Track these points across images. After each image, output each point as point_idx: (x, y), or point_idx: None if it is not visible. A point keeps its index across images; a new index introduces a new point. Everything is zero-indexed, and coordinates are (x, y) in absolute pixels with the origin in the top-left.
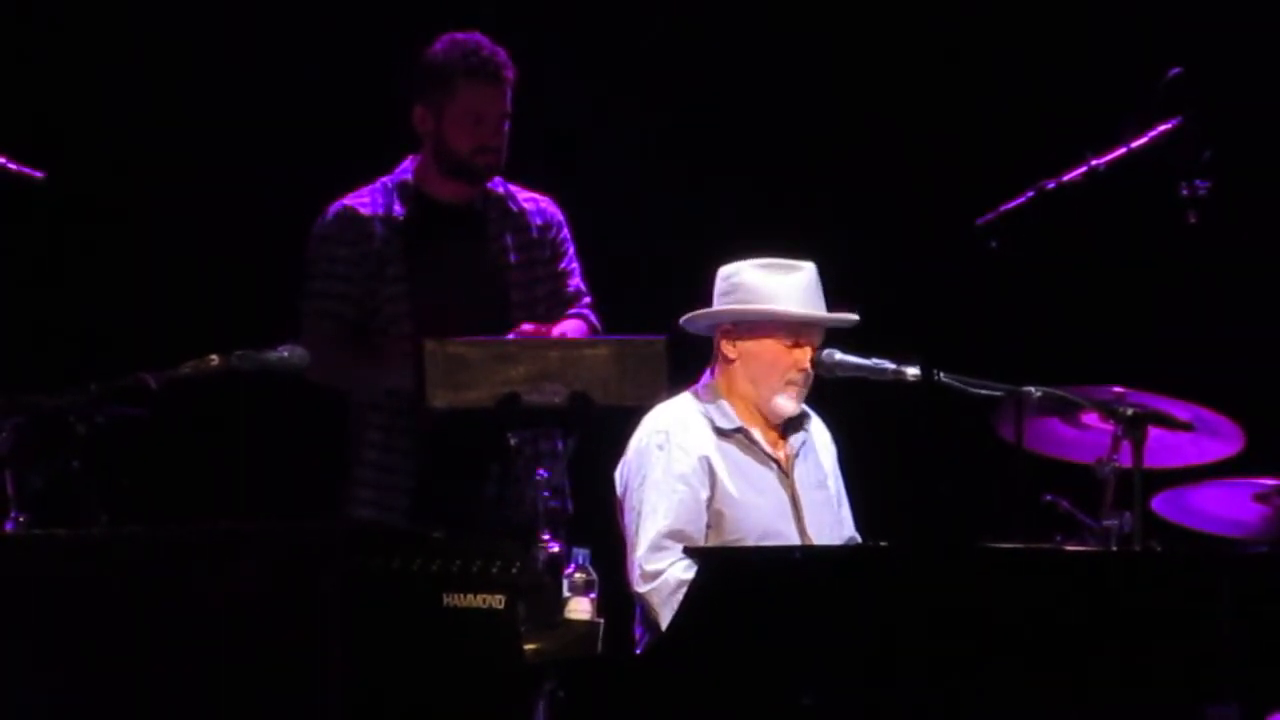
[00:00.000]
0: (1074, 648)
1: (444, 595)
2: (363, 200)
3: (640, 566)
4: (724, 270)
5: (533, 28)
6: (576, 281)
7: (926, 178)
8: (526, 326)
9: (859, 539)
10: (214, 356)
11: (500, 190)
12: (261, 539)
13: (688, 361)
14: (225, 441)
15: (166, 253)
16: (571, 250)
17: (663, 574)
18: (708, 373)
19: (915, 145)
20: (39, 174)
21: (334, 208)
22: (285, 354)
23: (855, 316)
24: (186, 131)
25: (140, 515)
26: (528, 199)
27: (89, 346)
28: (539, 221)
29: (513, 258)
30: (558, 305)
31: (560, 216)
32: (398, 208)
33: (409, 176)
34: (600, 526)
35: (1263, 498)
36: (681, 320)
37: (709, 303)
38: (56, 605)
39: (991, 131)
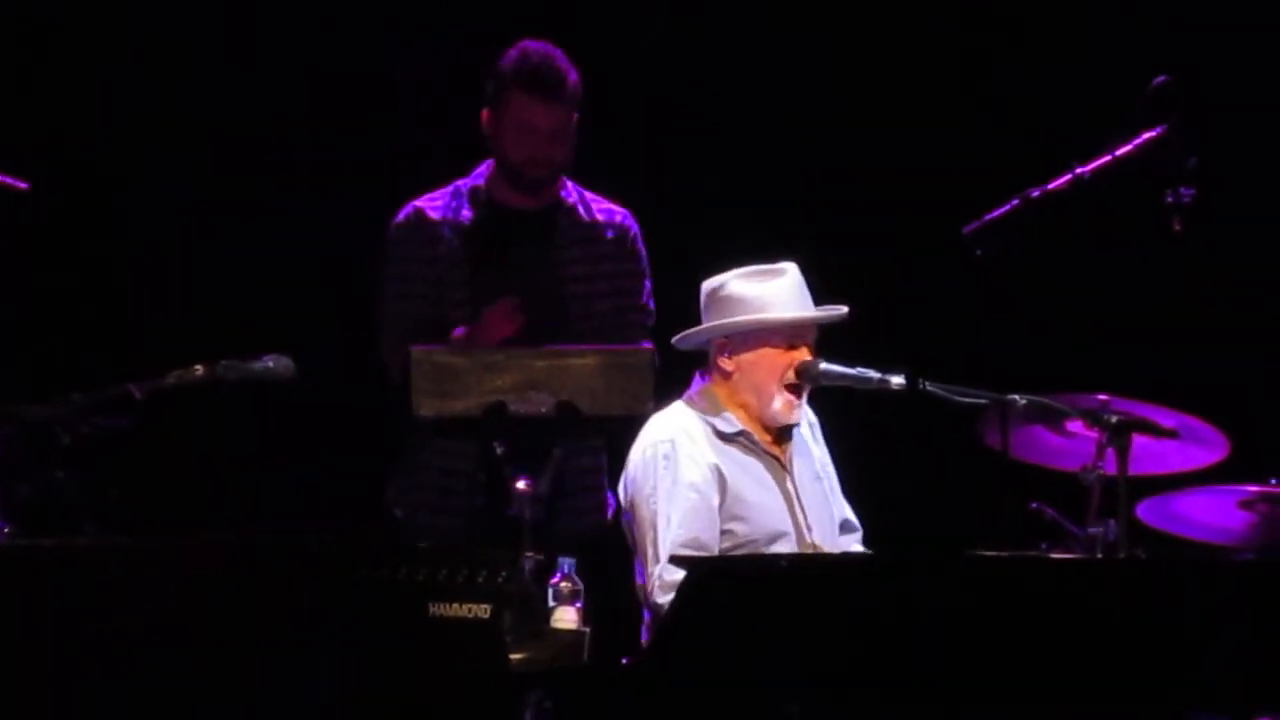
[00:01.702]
0: (1060, 656)
1: (430, 604)
2: (434, 203)
3: (660, 577)
4: (708, 284)
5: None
6: (642, 299)
7: (913, 187)
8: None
9: (854, 520)
10: (199, 366)
11: (573, 199)
12: (248, 549)
13: (674, 371)
14: (211, 451)
15: (151, 262)
16: (645, 266)
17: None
18: (698, 379)
19: (902, 154)
20: (23, 185)
21: (405, 209)
22: (270, 364)
23: (844, 309)
24: (171, 141)
25: (126, 525)
26: (603, 210)
27: (74, 356)
28: (611, 235)
29: (578, 269)
30: (617, 324)
31: (636, 229)
32: (465, 212)
33: (481, 181)
34: (586, 536)
35: (1248, 504)
36: (674, 340)
37: (697, 318)
38: (42, 616)
39: (978, 140)
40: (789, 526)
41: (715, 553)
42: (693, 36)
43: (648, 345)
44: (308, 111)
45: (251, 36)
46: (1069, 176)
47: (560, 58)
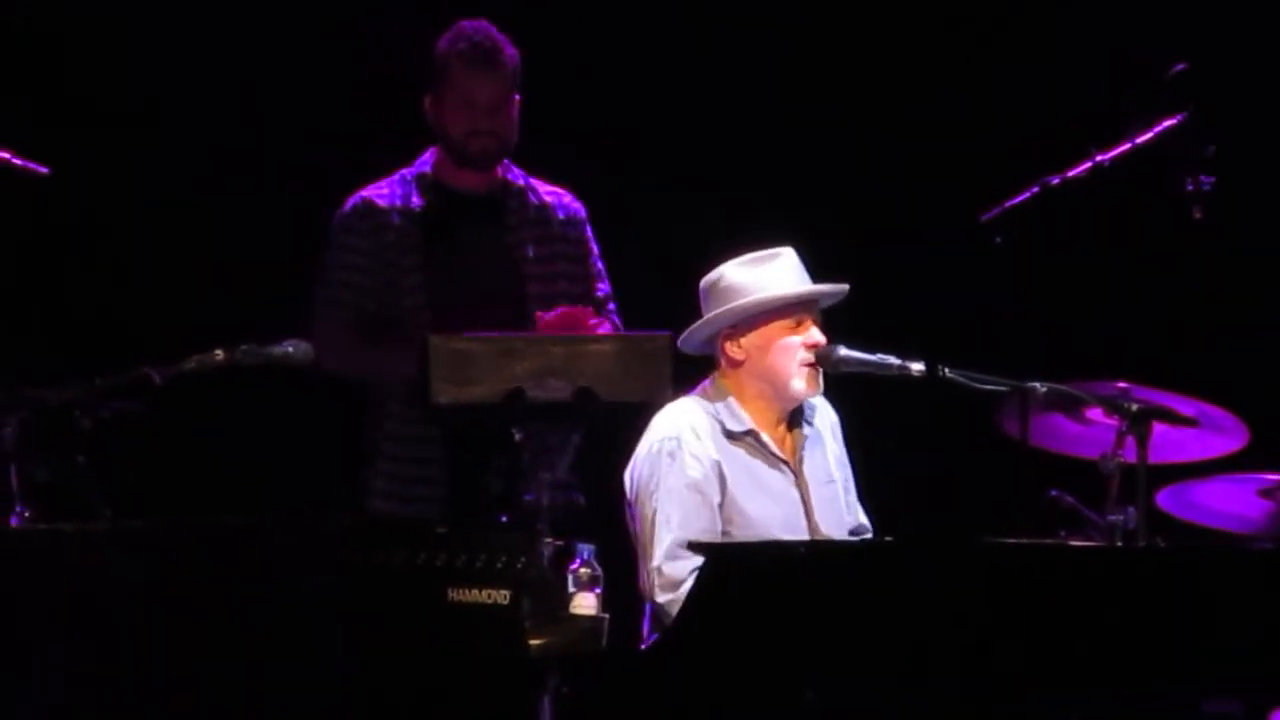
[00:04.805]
0: (1078, 643)
1: (449, 590)
2: (381, 192)
3: (659, 574)
4: (705, 280)
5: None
6: (605, 286)
7: (932, 174)
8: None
9: (868, 525)
10: (218, 351)
11: (521, 182)
12: (266, 534)
13: (691, 358)
14: (229, 436)
15: (171, 247)
16: (596, 249)
17: (683, 585)
18: (708, 380)
19: (921, 143)
20: (44, 169)
21: (352, 199)
22: (290, 349)
23: (845, 286)
24: (192, 125)
25: (144, 510)
26: (549, 192)
27: (93, 341)
28: (561, 216)
29: (531, 251)
30: (591, 304)
31: (584, 212)
32: (415, 199)
33: (428, 168)
34: (605, 522)
35: (1267, 493)
36: (679, 343)
37: (699, 318)
38: (60, 600)
39: (996, 127)
40: (796, 529)
41: None
42: (709, 22)
43: (664, 331)
44: (336, 96)
45: (264, 28)
46: (1088, 164)
47: (495, 32)
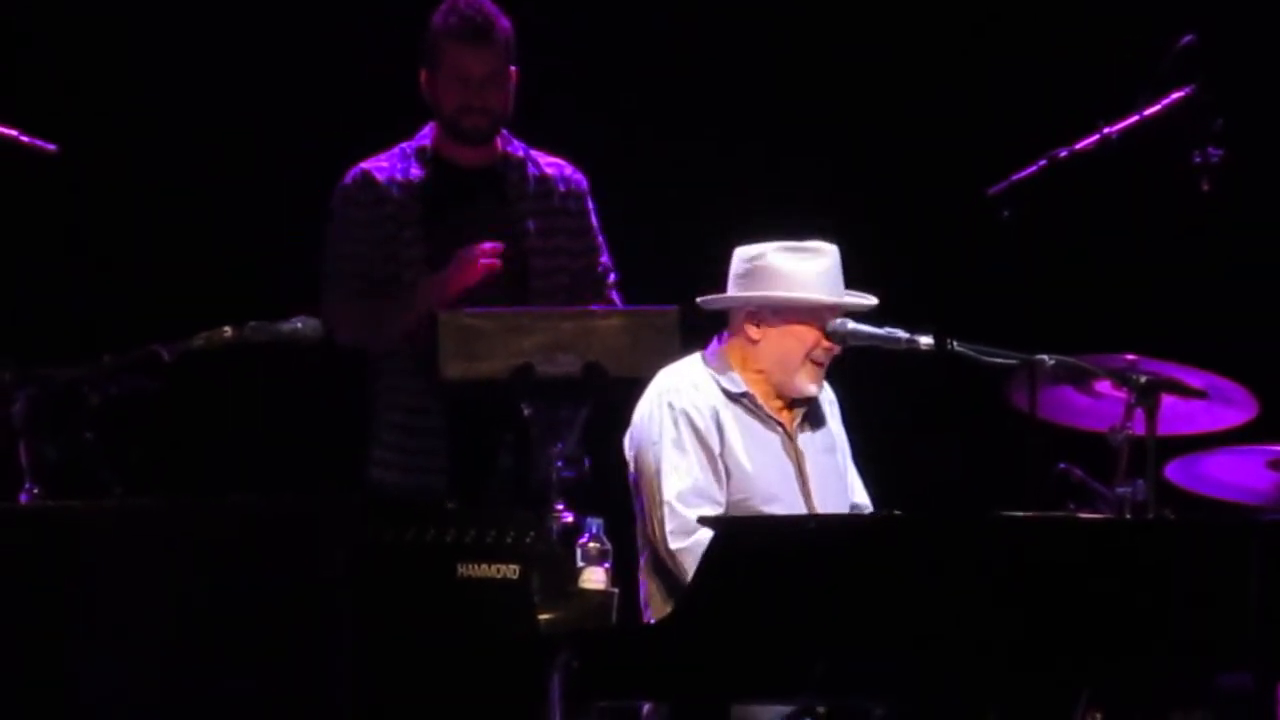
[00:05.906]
0: (1088, 617)
1: (458, 566)
2: (380, 165)
3: (670, 520)
4: (744, 252)
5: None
6: (605, 259)
7: (939, 147)
8: None
9: (868, 504)
10: (227, 328)
11: (521, 154)
12: (274, 510)
13: (699, 332)
14: (238, 413)
15: (180, 223)
16: (596, 221)
17: (696, 534)
18: (716, 341)
19: (928, 115)
20: (51, 147)
21: (352, 172)
22: (299, 325)
23: (875, 300)
24: (200, 101)
25: (153, 487)
26: (550, 164)
27: (102, 318)
28: (562, 189)
29: (532, 223)
30: (587, 283)
31: (585, 184)
32: (415, 171)
33: (427, 141)
34: (614, 497)
35: (1276, 464)
36: (701, 300)
37: (723, 279)
38: (69, 577)
39: (1004, 100)
40: (790, 493)
41: (722, 501)
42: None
43: (672, 306)
44: (340, 72)
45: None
46: (1096, 137)
47: (489, 6)
